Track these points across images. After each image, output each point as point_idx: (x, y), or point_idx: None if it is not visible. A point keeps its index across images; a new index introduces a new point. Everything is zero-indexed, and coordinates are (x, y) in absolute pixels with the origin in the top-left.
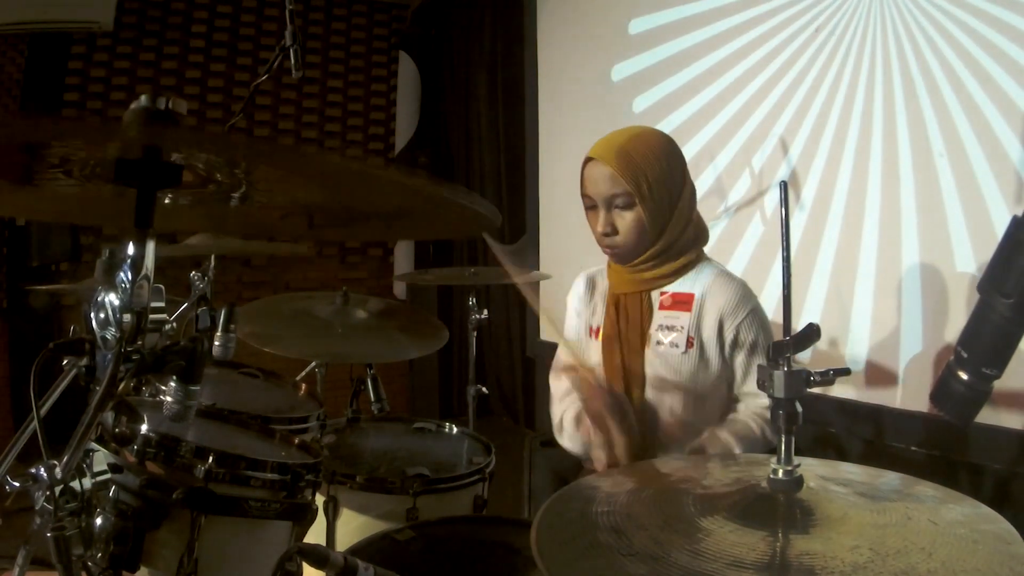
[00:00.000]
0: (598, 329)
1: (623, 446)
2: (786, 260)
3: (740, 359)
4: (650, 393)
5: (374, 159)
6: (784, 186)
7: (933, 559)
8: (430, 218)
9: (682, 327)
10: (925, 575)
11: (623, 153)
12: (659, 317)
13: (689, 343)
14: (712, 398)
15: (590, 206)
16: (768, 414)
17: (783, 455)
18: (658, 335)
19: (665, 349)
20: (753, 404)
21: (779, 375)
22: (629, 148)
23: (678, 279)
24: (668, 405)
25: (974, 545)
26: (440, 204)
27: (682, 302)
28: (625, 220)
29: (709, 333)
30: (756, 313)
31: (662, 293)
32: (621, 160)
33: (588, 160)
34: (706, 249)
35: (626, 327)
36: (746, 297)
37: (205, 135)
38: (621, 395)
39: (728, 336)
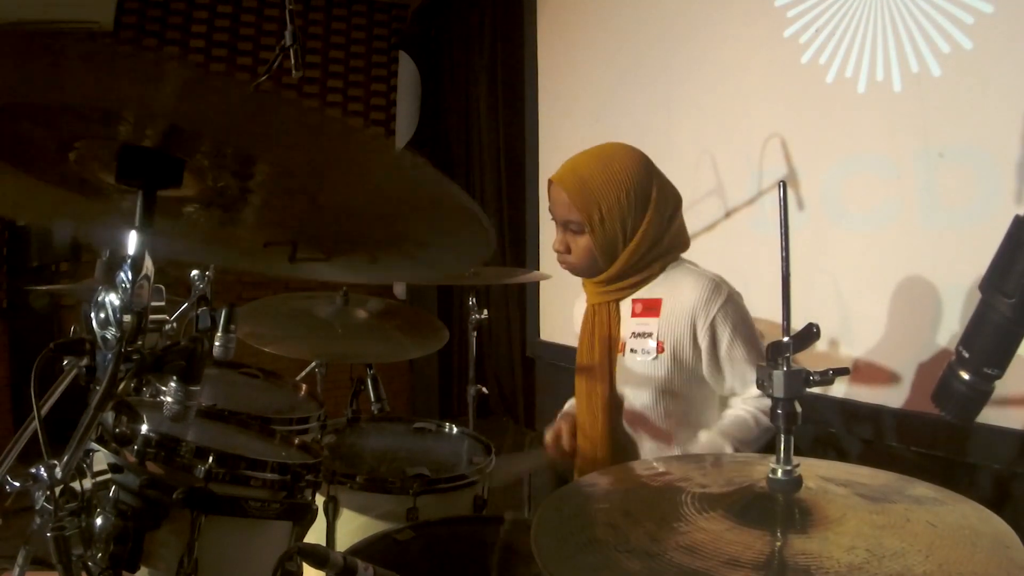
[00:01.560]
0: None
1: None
2: (785, 260)
3: (723, 354)
4: (626, 400)
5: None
6: (784, 186)
7: (930, 561)
8: (421, 243)
9: (651, 333)
10: None
11: (580, 181)
12: (631, 325)
13: (660, 348)
14: (694, 399)
15: (554, 221)
16: (764, 404)
17: (782, 455)
18: (631, 343)
19: (639, 357)
20: (748, 399)
21: (778, 375)
22: (587, 176)
23: (645, 286)
24: (646, 412)
25: (972, 548)
26: (439, 198)
27: (651, 308)
28: (578, 244)
29: (680, 334)
30: (729, 304)
31: (633, 301)
32: (576, 188)
33: (550, 181)
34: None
35: (594, 337)
36: (715, 291)
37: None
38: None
39: (703, 334)
